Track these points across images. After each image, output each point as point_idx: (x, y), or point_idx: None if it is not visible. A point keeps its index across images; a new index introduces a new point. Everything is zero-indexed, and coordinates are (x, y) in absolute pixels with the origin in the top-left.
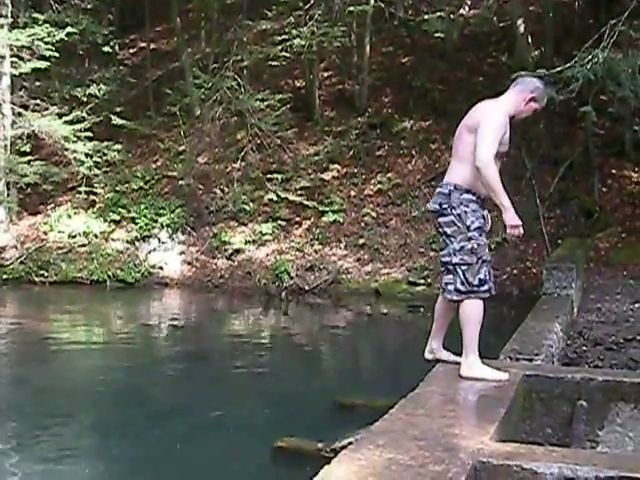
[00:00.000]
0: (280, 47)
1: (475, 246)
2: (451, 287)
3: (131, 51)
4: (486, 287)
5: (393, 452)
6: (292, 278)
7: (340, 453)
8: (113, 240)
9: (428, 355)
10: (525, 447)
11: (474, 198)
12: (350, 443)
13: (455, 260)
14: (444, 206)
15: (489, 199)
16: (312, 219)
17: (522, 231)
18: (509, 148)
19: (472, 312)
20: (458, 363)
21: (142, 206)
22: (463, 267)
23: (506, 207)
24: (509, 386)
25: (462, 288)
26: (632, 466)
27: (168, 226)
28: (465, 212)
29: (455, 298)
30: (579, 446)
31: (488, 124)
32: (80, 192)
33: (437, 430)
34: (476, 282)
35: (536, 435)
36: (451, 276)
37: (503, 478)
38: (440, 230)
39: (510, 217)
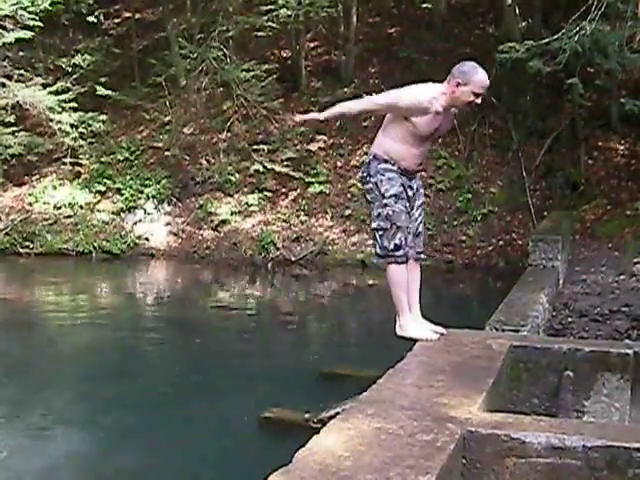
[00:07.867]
0: (266, 17)
1: (390, 212)
2: (374, 250)
3: (116, 21)
4: (401, 252)
5: (382, 422)
6: (278, 249)
7: (329, 423)
8: (99, 211)
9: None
10: (513, 417)
11: (393, 168)
12: (337, 413)
13: (374, 225)
14: (364, 174)
15: (417, 171)
16: (298, 190)
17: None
18: (440, 136)
19: (392, 276)
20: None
21: (128, 177)
22: (380, 232)
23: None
24: (497, 356)
25: (380, 252)
26: (618, 436)
27: (154, 197)
28: (381, 180)
29: (375, 261)
30: (566, 416)
31: (402, 91)
32: (65, 163)
33: (426, 400)
34: (391, 247)
35: (523, 405)
36: (374, 240)
37: (491, 447)
38: (365, 197)
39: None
